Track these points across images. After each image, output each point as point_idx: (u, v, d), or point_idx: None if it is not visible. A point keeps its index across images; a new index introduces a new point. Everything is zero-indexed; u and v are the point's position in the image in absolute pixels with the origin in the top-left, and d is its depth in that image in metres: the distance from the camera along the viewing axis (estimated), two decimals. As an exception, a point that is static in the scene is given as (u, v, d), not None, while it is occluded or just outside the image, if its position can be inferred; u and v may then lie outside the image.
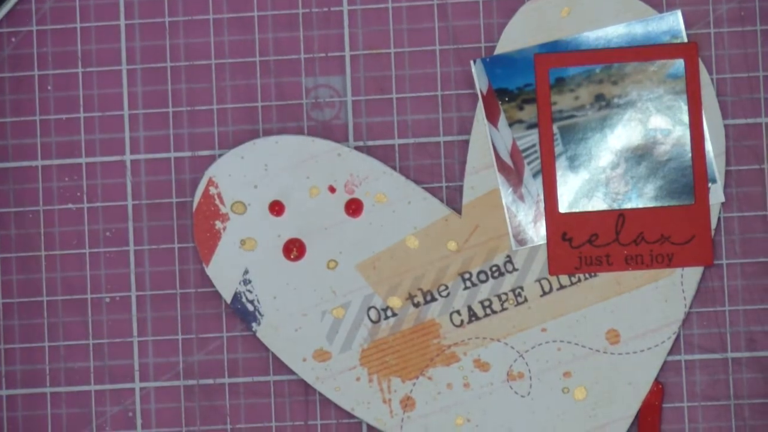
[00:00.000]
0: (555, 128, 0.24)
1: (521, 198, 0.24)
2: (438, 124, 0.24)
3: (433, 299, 0.24)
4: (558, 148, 0.24)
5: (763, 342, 0.23)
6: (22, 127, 0.24)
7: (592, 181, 0.24)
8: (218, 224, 0.24)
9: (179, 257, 0.24)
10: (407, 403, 0.24)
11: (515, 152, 0.24)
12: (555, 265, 0.24)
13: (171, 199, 0.24)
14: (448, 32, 0.24)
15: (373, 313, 0.24)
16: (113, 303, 0.24)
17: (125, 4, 0.24)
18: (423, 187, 0.24)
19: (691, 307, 0.23)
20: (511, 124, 0.24)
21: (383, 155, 0.24)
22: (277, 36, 0.24)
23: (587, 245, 0.24)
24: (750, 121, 0.24)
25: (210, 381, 0.24)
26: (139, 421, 0.24)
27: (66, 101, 0.24)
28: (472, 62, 0.24)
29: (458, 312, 0.24)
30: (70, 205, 0.24)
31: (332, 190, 0.24)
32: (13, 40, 0.24)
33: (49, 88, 0.24)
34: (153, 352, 0.24)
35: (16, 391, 0.24)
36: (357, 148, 0.24)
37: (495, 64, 0.24)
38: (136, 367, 0.24)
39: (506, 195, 0.24)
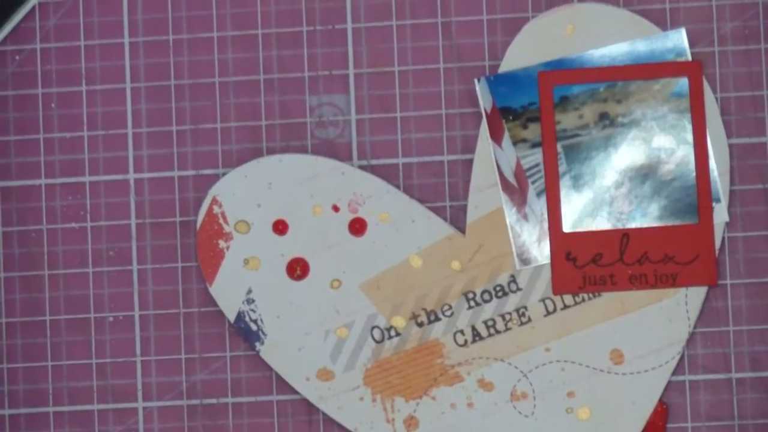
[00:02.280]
0: (559, 147, 0.23)
1: (525, 217, 0.23)
2: (442, 142, 0.23)
3: (437, 319, 0.23)
4: (562, 167, 0.23)
5: (767, 362, 0.23)
6: (25, 145, 0.23)
7: (596, 200, 0.23)
8: (222, 243, 0.23)
9: (183, 276, 0.23)
10: (411, 422, 0.23)
11: (519, 171, 0.23)
12: (559, 285, 0.23)
13: (174, 218, 0.23)
14: (452, 50, 0.23)
15: (376, 333, 0.23)
16: (116, 322, 0.23)
17: (129, 23, 0.24)
18: (427, 206, 0.23)
19: (695, 327, 0.23)
20: (515, 143, 0.23)
21: (387, 174, 0.23)
22: (281, 54, 0.24)
23: (591, 265, 0.23)
24: (754, 140, 0.23)
25: (213, 401, 0.23)
26: (142, 441, 0.23)
27: (70, 119, 0.24)
28: (476, 81, 0.23)
29: (462, 332, 0.23)
30: (73, 224, 0.23)
31: (336, 209, 0.23)
32: (17, 58, 0.24)
33: (53, 105, 0.24)
34: (156, 372, 0.23)
35: (19, 411, 0.23)
36: (361, 166, 0.23)
37: (499, 83, 0.23)
38: (139, 386, 0.23)
39: (510, 214, 0.23)
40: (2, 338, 0.23)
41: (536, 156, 0.23)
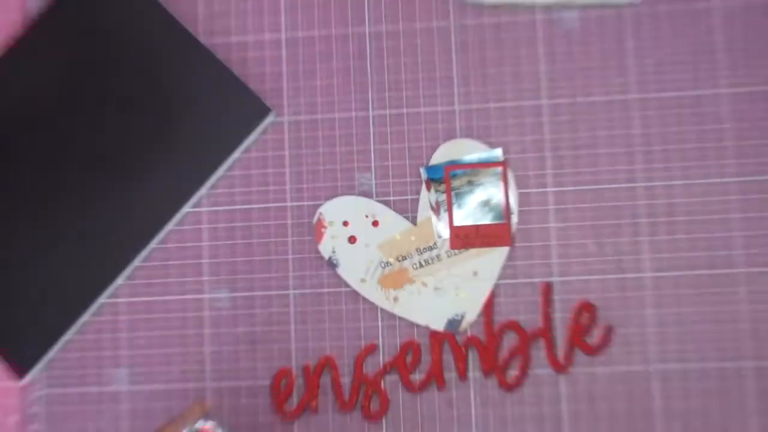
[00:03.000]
0: (453, 193, 0.59)
1: (439, 220, 0.59)
2: (408, 191, 0.60)
3: (405, 259, 0.59)
4: (453, 201, 0.59)
5: (535, 274, 0.58)
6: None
7: (467, 214, 0.59)
8: (323, 230, 0.60)
9: (308, 243, 0.60)
10: (396, 299, 0.59)
11: (437, 203, 0.59)
12: (453, 245, 0.59)
13: (304, 220, 0.60)
14: (413, 156, 0.60)
15: (382, 264, 0.59)
16: (280, 261, 0.60)
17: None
18: (402, 216, 0.59)
19: (506, 261, 0.59)
20: (435, 191, 0.60)
21: (387, 203, 0.60)
22: (348, 165, 0.60)
23: (464, 238, 0.59)
24: (525, 190, 0.59)
25: (319, 291, 0.59)
26: (292, 310, 0.59)
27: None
28: (420, 168, 0.60)
29: (415, 264, 0.59)
30: (264, 222, 0.60)
31: (367, 216, 0.60)
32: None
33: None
34: (297, 279, 0.59)
35: (255, 293, 0.59)
36: (378, 200, 0.60)
37: (430, 169, 0.60)
38: (291, 283, 0.59)
39: (434, 219, 0.59)
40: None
41: (444, 196, 0.59)
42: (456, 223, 0.58)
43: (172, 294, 0.59)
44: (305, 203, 0.59)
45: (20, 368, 0.57)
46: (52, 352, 0.58)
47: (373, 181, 0.59)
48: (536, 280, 0.58)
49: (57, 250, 0.58)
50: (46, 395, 0.59)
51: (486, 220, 0.58)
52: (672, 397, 0.55)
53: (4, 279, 0.57)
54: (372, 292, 0.58)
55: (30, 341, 0.57)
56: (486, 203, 0.58)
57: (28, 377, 0.58)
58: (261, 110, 0.59)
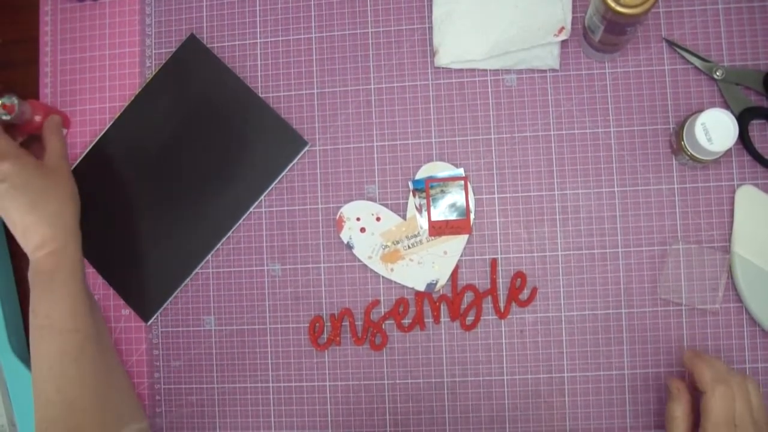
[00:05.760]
0: (430, 199, 0.87)
1: (422, 217, 0.87)
2: (400, 196, 0.88)
3: (398, 243, 0.87)
4: (431, 203, 0.87)
5: (487, 252, 0.86)
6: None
7: (440, 212, 0.87)
8: (342, 223, 0.88)
9: (333, 232, 0.88)
10: (391, 269, 0.87)
11: (420, 205, 0.87)
12: (431, 233, 0.87)
13: (332, 217, 0.89)
14: (404, 174, 0.88)
15: (383, 246, 0.87)
16: (315, 244, 0.88)
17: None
18: (396, 213, 0.87)
19: (467, 244, 0.86)
20: (419, 197, 0.88)
21: (386, 205, 0.88)
22: (360, 180, 0.89)
23: (438, 229, 0.87)
24: (479, 196, 0.87)
25: (340, 264, 0.87)
26: (324, 280, 0.88)
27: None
28: (408, 181, 0.88)
29: (405, 246, 0.87)
30: (303, 218, 0.88)
31: (372, 214, 0.87)
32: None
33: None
34: (329, 255, 0.88)
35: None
36: (380, 203, 0.88)
37: (415, 182, 0.87)
38: (321, 258, 0.88)
39: (417, 216, 0.87)
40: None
41: (424, 200, 0.87)
42: (433, 219, 0.86)
43: (243, 266, 0.88)
44: (331, 205, 0.84)
45: (145, 314, 0.87)
46: (166, 304, 0.88)
47: (377, 190, 0.86)
48: (487, 257, 0.84)
49: (169, 239, 0.87)
50: (162, 331, 0.88)
51: (453, 216, 0.85)
52: (574, 333, 0.83)
53: (137, 257, 0.87)
54: (376, 265, 0.82)
55: (152, 296, 0.87)
56: (453, 205, 0.85)
57: (151, 320, 0.88)
58: (300, 142, 0.87)
